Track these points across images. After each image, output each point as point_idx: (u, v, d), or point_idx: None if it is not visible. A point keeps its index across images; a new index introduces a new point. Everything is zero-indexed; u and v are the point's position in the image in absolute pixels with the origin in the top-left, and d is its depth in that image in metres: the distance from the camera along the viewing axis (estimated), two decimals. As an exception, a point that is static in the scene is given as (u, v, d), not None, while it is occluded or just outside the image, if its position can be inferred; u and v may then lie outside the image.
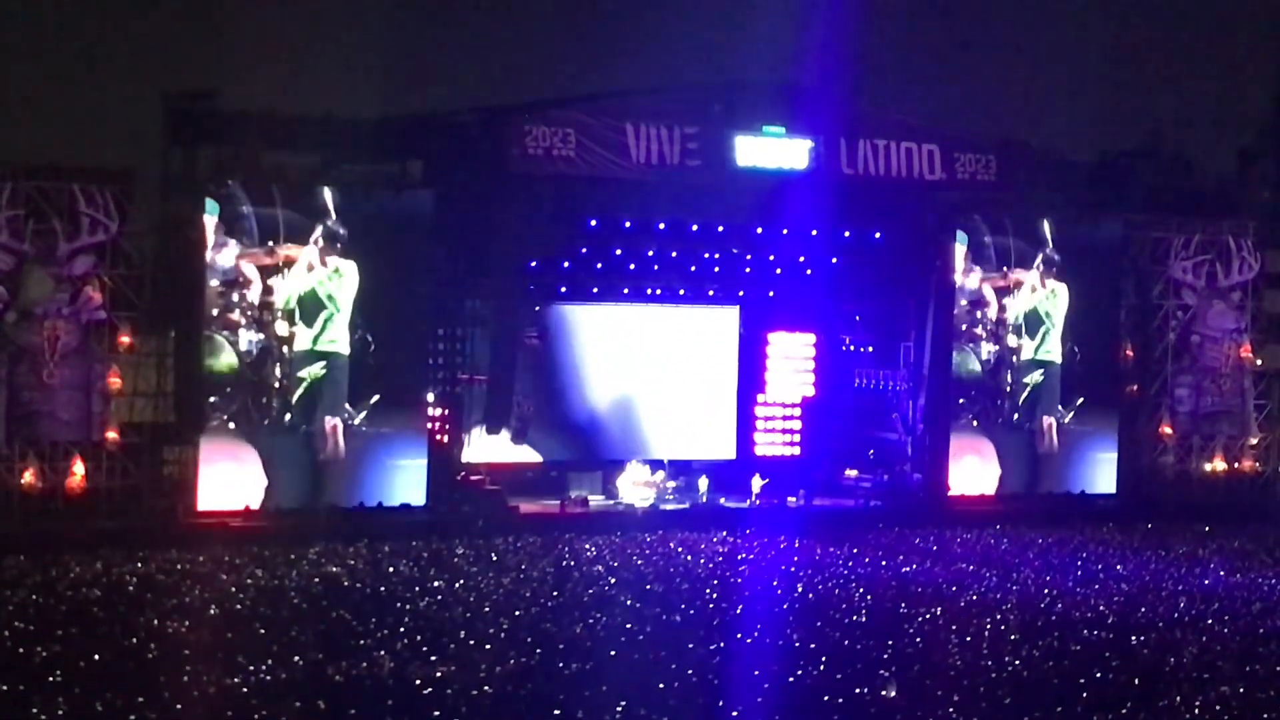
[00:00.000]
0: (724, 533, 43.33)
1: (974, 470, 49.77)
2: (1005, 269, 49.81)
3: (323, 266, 43.05)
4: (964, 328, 49.61)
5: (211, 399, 42.34)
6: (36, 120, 55.03)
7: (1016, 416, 50.30)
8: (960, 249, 49.29)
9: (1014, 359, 50.18)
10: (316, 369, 43.23)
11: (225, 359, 42.53)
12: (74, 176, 41.96)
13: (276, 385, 42.96)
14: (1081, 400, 50.53)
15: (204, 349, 42.21)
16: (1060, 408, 50.41)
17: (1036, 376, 50.31)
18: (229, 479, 42.03)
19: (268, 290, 42.65)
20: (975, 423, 49.86)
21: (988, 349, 49.94)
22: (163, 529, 40.31)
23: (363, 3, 59.27)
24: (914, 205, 49.68)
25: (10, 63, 58.05)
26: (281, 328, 42.88)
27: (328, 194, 43.04)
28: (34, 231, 41.56)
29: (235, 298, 42.46)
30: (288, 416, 43.04)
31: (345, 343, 43.44)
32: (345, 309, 43.36)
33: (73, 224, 41.75)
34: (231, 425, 42.39)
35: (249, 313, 42.59)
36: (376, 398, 43.47)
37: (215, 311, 42.28)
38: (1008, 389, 50.20)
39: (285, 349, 43.04)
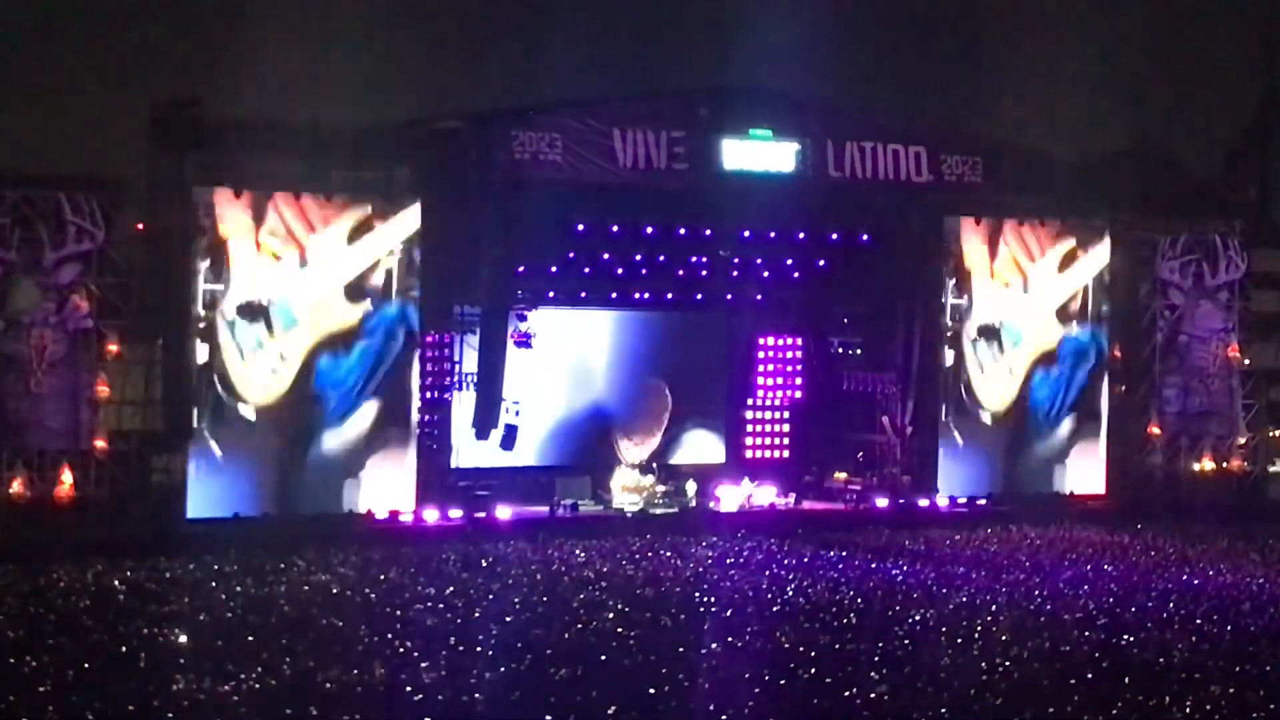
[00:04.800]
0: (713, 536, 43.35)
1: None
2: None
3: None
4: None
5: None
6: (22, 129, 54.92)
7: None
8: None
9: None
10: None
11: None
12: (60, 185, 41.93)
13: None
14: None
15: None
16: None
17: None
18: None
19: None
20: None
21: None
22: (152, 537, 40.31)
23: (348, 10, 59.18)
24: (901, 207, 49.69)
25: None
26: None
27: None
28: (20, 240, 41.55)
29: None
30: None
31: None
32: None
33: (59, 233, 41.73)
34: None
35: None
36: (366, 403, 43.66)
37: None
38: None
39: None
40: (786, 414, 52.96)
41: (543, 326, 48.24)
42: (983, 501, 49.61)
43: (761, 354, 52.97)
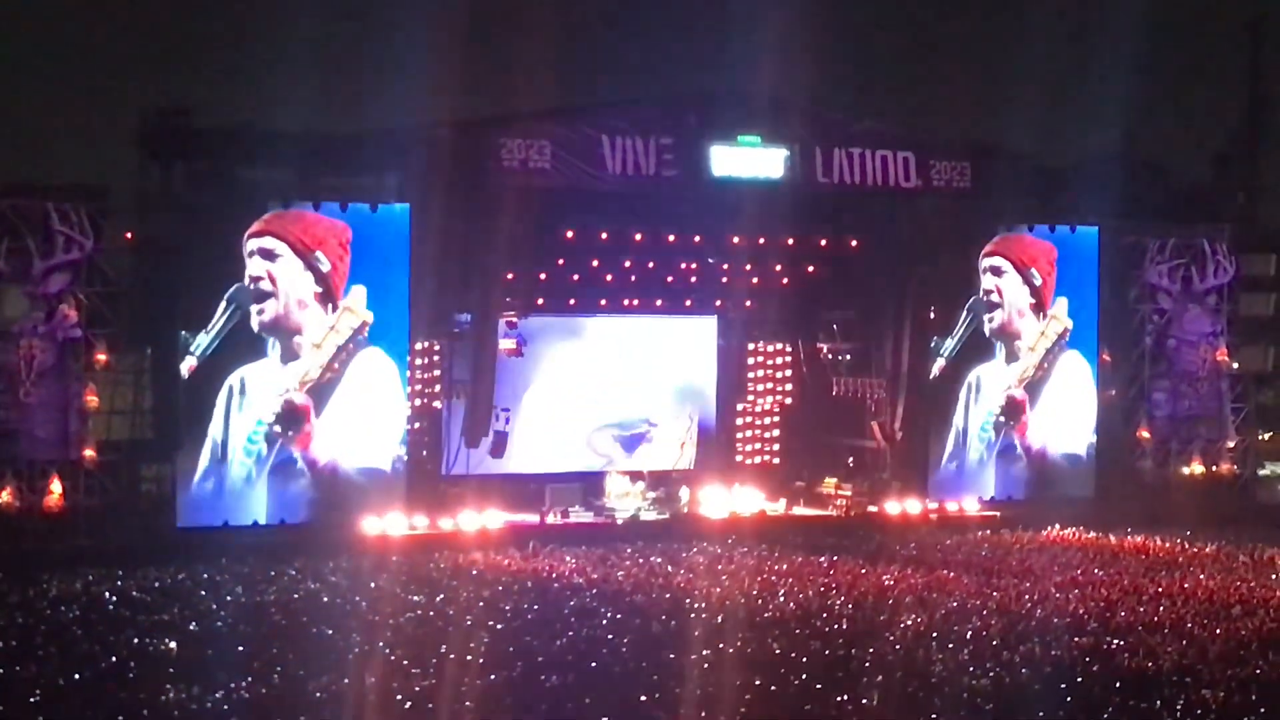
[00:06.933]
0: (704, 543, 43.33)
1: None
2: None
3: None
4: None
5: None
6: (9, 138, 54.96)
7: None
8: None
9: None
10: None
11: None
12: (48, 194, 41.88)
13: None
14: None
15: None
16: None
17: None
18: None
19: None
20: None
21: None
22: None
23: (337, 18, 59.26)
24: (890, 213, 49.71)
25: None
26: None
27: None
28: (8, 250, 41.48)
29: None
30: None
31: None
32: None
33: (47, 242, 41.67)
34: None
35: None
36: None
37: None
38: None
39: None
40: (777, 420, 52.94)
41: (532, 333, 48.24)
42: (974, 506, 49.65)
43: (751, 360, 52.94)
